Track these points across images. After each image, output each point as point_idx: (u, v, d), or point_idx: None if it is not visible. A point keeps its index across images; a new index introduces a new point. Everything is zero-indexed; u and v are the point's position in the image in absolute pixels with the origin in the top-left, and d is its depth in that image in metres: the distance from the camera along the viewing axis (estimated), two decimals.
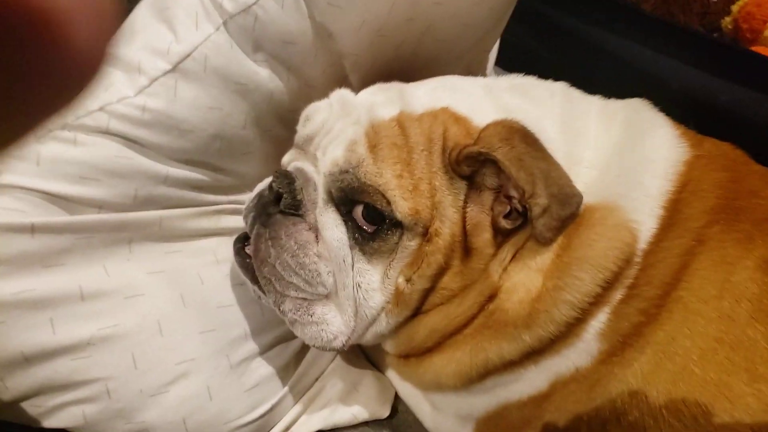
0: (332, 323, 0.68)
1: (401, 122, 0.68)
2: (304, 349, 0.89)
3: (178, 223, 0.79)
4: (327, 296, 0.68)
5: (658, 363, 0.60)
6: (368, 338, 0.72)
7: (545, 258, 0.66)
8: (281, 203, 0.69)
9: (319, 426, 0.83)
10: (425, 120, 0.68)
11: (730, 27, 1.45)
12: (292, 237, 0.67)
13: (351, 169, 0.65)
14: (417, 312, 0.70)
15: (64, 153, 0.67)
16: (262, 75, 0.77)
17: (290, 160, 0.75)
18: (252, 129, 0.81)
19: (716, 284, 0.60)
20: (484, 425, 0.73)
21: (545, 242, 0.65)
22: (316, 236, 0.68)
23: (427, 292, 0.68)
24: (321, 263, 0.67)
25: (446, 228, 0.65)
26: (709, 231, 0.62)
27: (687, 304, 0.61)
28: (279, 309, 0.68)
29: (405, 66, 0.89)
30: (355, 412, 0.85)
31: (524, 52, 1.36)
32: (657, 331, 0.61)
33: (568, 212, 0.64)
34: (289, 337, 0.86)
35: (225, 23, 0.72)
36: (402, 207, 0.64)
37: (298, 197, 0.69)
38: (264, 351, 0.81)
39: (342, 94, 0.75)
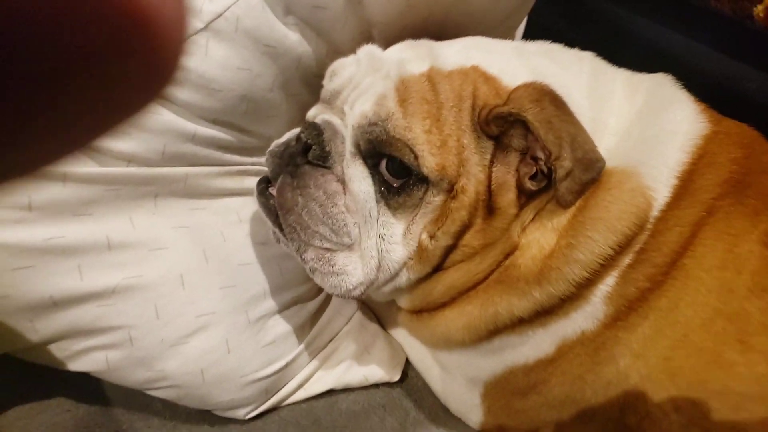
0: (353, 274, 0.68)
1: (431, 78, 0.68)
2: (320, 310, 0.91)
3: (203, 180, 0.80)
4: (350, 247, 0.68)
5: (660, 329, 0.63)
6: (386, 291, 0.74)
7: (562, 218, 0.67)
8: (309, 154, 0.69)
9: (332, 384, 0.86)
10: (455, 77, 0.68)
11: (761, 15, 1.42)
12: (321, 187, 0.68)
13: (380, 122, 0.65)
14: (437, 268, 0.72)
15: None
16: (292, 39, 0.78)
17: (316, 114, 0.75)
18: (279, 92, 0.81)
19: (720, 255, 0.62)
20: (492, 389, 0.75)
21: (566, 205, 0.66)
22: (344, 188, 0.69)
23: (449, 249, 0.69)
24: (348, 214, 0.68)
25: (471, 186, 0.66)
26: (719, 203, 0.64)
27: (690, 272, 0.63)
28: (301, 257, 0.69)
29: (432, 38, 0.89)
30: (366, 374, 0.87)
31: (550, 32, 1.35)
32: (661, 297, 0.63)
33: (591, 177, 0.65)
34: (306, 298, 0.89)
35: None
36: (429, 162, 0.65)
37: (327, 149, 0.69)
38: (281, 310, 0.84)
39: (370, 49, 0.75)
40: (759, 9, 1.45)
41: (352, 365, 0.88)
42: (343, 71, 0.74)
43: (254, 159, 0.86)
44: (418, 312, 0.80)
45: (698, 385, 0.61)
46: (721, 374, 0.60)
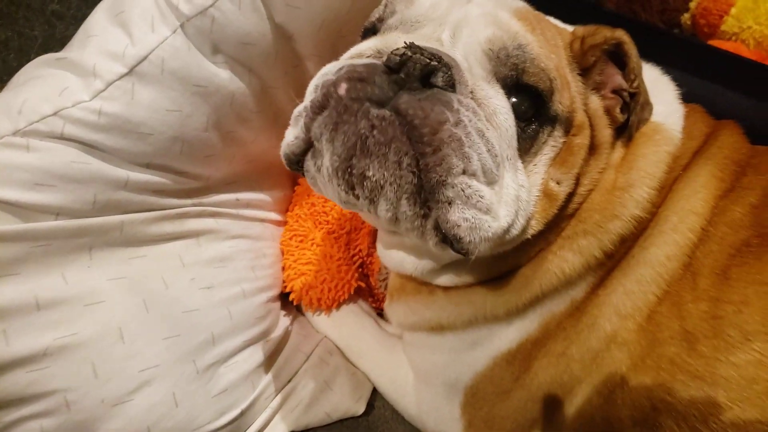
0: (498, 216, 0.56)
1: (531, 12, 0.67)
2: (277, 350, 0.88)
3: (141, 227, 0.77)
4: (493, 184, 0.56)
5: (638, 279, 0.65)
6: (504, 248, 0.65)
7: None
8: (438, 78, 0.53)
9: (292, 427, 0.83)
10: (539, 16, 0.68)
11: (688, 23, 1.48)
12: (469, 107, 0.54)
13: (519, 48, 0.59)
14: (560, 216, 0.66)
15: (17, 159, 0.65)
16: (223, 76, 0.77)
17: (391, 44, 0.57)
18: (214, 131, 0.80)
19: (684, 206, 0.67)
20: (472, 397, 0.73)
21: (630, 138, 0.69)
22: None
23: (571, 196, 0.66)
24: (497, 146, 0.56)
25: (585, 121, 0.66)
26: (692, 163, 0.70)
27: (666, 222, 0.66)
28: (444, 184, 0.51)
29: None
30: (329, 411, 0.85)
31: None
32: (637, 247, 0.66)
33: (646, 117, 0.69)
34: (260, 338, 0.86)
35: (182, 26, 0.72)
36: (563, 98, 0.62)
37: (454, 75, 0.54)
38: (233, 355, 0.81)
39: None
40: (686, 17, 1.51)
41: (312, 404, 0.86)
42: (418, 0, 0.64)
43: (194, 200, 0.84)
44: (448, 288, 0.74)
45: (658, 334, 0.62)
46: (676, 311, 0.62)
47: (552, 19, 0.74)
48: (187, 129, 0.76)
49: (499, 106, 0.57)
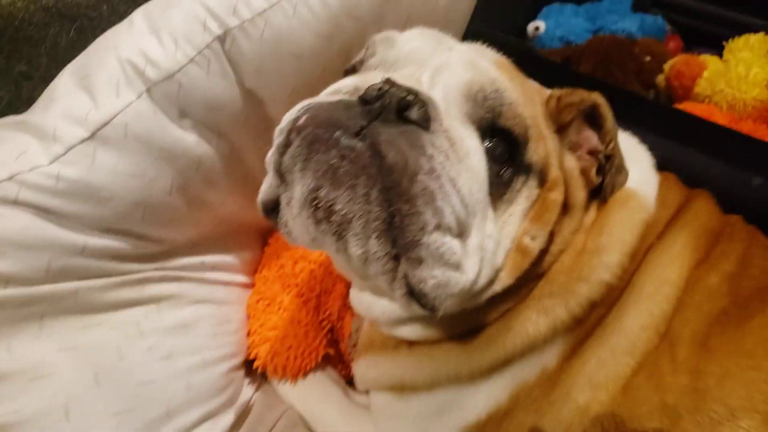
0: (466, 270, 0.54)
1: (512, 65, 0.67)
2: (237, 423, 0.85)
3: (98, 294, 0.74)
4: (462, 235, 0.54)
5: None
6: (472, 303, 0.63)
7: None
8: (413, 112, 0.51)
9: None
10: (518, 70, 0.68)
11: (663, 84, 1.51)
12: (443, 151, 0.52)
13: (497, 93, 0.59)
14: (531, 273, 0.65)
15: None
16: (189, 141, 0.76)
17: (370, 81, 0.54)
18: (179, 195, 0.78)
19: (659, 275, 0.66)
20: None
21: (604, 201, 0.69)
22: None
23: (543, 253, 0.64)
24: (467, 192, 0.54)
25: (560, 178, 0.64)
26: (667, 230, 0.70)
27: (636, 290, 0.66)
28: (420, 238, 0.49)
29: None
30: None
31: None
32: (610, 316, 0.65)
33: (621, 181, 0.68)
34: (220, 410, 0.82)
35: (148, 90, 0.71)
36: (538, 147, 0.61)
37: (429, 112, 0.53)
38: (190, 429, 0.77)
39: (428, 31, 0.69)
40: (660, 78, 1.54)
41: None
42: (403, 42, 0.65)
43: (156, 264, 0.81)
44: (412, 343, 0.72)
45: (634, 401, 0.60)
46: (654, 388, 0.60)
47: (530, 81, 0.75)
48: (150, 193, 0.74)
49: (472, 147, 0.56)
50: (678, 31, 1.66)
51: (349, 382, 0.99)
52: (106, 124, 0.69)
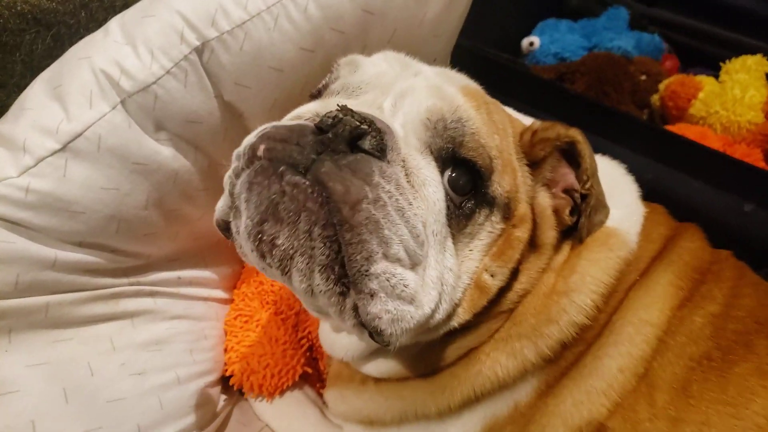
0: (421, 304, 0.52)
1: (481, 93, 0.65)
2: None
3: (69, 309, 0.73)
4: (415, 267, 0.52)
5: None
6: (428, 338, 0.62)
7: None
8: (366, 142, 0.51)
9: None
10: (488, 99, 0.66)
11: (657, 104, 1.50)
12: (392, 180, 0.50)
13: (459, 122, 0.57)
14: (491, 311, 0.63)
15: None
16: (165, 154, 0.74)
17: (330, 107, 0.54)
18: (155, 210, 0.76)
19: (641, 317, 0.64)
20: None
21: (580, 240, 0.66)
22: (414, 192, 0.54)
23: (503, 291, 0.62)
24: (419, 222, 0.52)
25: (528, 214, 0.62)
26: (650, 268, 0.67)
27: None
28: (368, 268, 0.48)
29: None
30: None
31: None
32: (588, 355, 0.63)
33: (600, 219, 0.67)
34: (193, 428, 0.80)
35: (123, 102, 0.69)
36: (503, 180, 0.59)
37: (385, 141, 0.52)
38: None
39: (395, 55, 0.68)
40: (655, 98, 1.52)
41: None
42: (367, 67, 0.65)
43: (131, 279, 0.79)
44: (380, 380, 0.70)
45: None
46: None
47: (511, 111, 0.73)
48: (124, 207, 0.73)
49: (429, 177, 0.54)
50: (675, 50, 1.65)
51: None
52: (78, 135, 0.67)
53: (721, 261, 0.71)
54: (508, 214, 0.61)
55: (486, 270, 0.60)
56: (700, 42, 1.60)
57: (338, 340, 0.70)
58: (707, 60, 1.58)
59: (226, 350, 0.90)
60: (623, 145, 1.15)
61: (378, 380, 0.70)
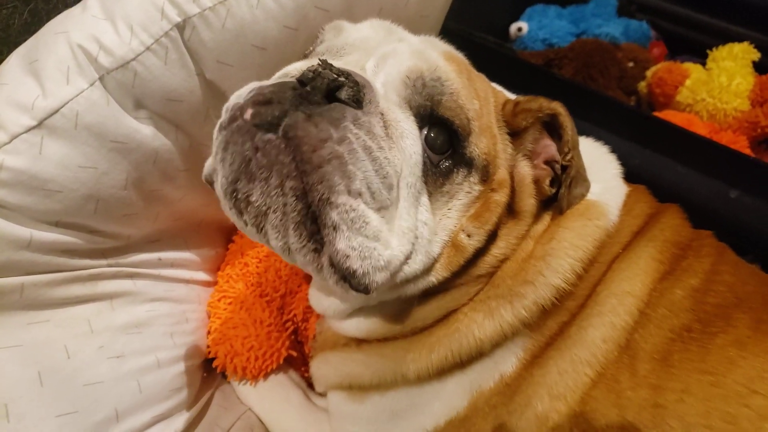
0: (387, 244, 0.53)
1: (464, 61, 0.67)
2: (191, 426, 0.82)
3: (45, 290, 0.71)
4: (384, 211, 0.53)
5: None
6: (404, 292, 0.62)
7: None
8: (343, 93, 0.52)
9: None
10: (471, 68, 0.68)
11: (645, 91, 1.50)
12: (364, 126, 0.51)
13: (437, 81, 0.59)
14: (470, 273, 0.65)
15: None
16: (145, 133, 0.72)
17: (311, 66, 0.54)
18: (134, 190, 0.75)
19: (624, 288, 0.65)
20: None
21: (560, 213, 0.68)
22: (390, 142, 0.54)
23: (478, 253, 0.64)
24: (391, 168, 0.53)
25: (507, 179, 0.64)
26: (633, 242, 0.69)
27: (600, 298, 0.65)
28: (328, 203, 0.49)
29: None
30: None
31: None
32: (573, 326, 0.64)
33: (581, 192, 0.68)
34: (173, 412, 0.79)
35: (101, 78, 0.67)
36: (480, 142, 0.61)
37: (362, 93, 0.53)
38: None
39: (381, 22, 0.69)
40: (642, 85, 1.52)
41: None
42: (351, 31, 0.66)
43: (110, 260, 0.78)
44: (361, 341, 0.72)
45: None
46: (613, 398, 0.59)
47: (497, 86, 0.73)
48: (102, 187, 0.71)
49: (407, 130, 0.56)
50: (662, 38, 1.65)
51: (312, 384, 0.97)
52: (54, 112, 0.66)
53: (701, 239, 0.72)
54: (486, 176, 0.62)
55: (463, 230, 0.62)
56: (687, 30, 1.61)
57: (323, 297, 0.72)
58: (694, 47, 1.58)
59: (209, 332, 0.89)
60: (610, 131, 1.15)
61: (360, 342, 0.71)
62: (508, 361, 0.64)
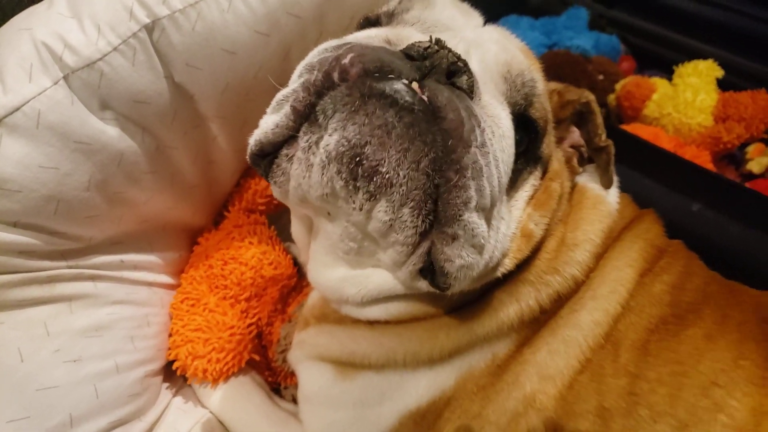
0: (485, 250, 0.52)
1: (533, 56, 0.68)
2: (149, 431, 0.81)
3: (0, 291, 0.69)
4: (487, 217, 0.53)
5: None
6: (476, 285, 0.62)
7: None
8: (463, 80, 0.49)
9: None
10: None
11: (614, 104, 1.53)
12: (492, 121, 0.50)
13: (533, 81, 0.60)
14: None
15: None
16: (110, 134, 0.71)
17: (405, 38, 0.53)
18: (98, 191, 0.73)
19: (616, 277, 0.67)
20: None
21: (607, 187, 0.73)
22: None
23: (544, 239, 0.65)
24: (503, 173, 0.53)
25: (560, 169, 0.68)
26: (622, 235, 0.72)
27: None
28: (459, 213, 0.47)
29: None
30: None
31: None
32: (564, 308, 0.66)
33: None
34: (131, 418, 0.78)
35: (66, 77, 0.66)
36: (551, 142, 0.65)
37: (473, 81, 0.51)
38: None
39: (458, 2, 0.68)
40: (611, 98, 1.56)
41: None
42: (441, 7, 0.63)
43: (70, 262, 0.76)
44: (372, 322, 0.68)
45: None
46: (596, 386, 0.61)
47: None
48: (64, 188, 0.69)
49: (507, 128, 0.55)
50: (632, 52, 1.69)
51: (276, 390, 0.96)
52: (15, 110, 0.64)
53: (675, 245, 0.76)
54: (545, 169, 0.66)
55: (530, 218, 0.63)
56: (655, 45, 1.64)
57: (352, 279, 0.63)
58: (662, 62, 1.62)
59: (171, 334, 0.88)
60: None
61: (372, 323, 0.67)
62: (502, 342, 0.65)
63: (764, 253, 0.96)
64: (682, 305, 0.66)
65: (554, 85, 0.72)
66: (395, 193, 0.46)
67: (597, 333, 0.64)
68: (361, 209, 0.49)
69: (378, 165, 0.45)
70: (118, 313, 0.80)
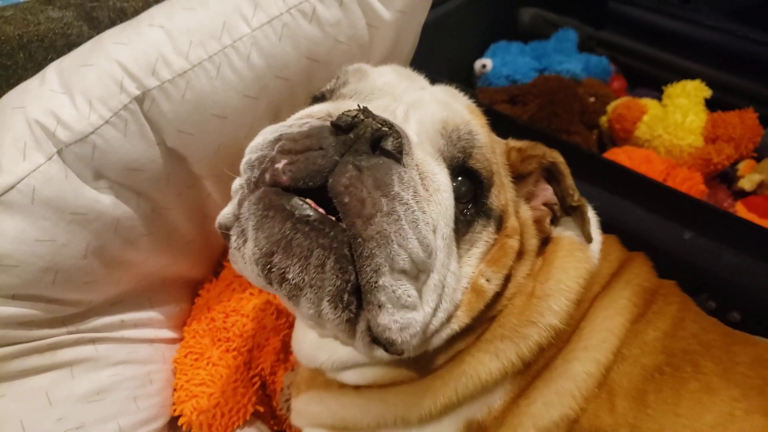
0: (420, 309, 0.53)
1: (481, 113, 0.69)
2: None
3: (0, 364, 0.70)
4: (422, 274, 0.53)
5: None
6: (435, 343, 0.62)
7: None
8: (388, 143, 0.51)
9: None
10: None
11: (606, 126, 1.54)
12: (410, 186, 0.51)
13: (470, 134, 0.61)
14: (485, 315, 0.65)
15: None
16: (105, 202, 0.72)
17: (343, 108, 0.55)
18: (95, 258, 0.74)
19: (606, 326, 0.67)
20: None
21: (589, 242, 0.72)
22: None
23: (497, 297, 0.65)
24: (430, 229, 0.53)
25: (517, 226, 0.66)
26: (610, 283, 0.72)
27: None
28: (375, 286, 0.49)
29: None
30: None
31: None
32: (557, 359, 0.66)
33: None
34: None
35: (59, 152, 0.67)
36: (500, 194, 0.64)
37: (402, 143, 0.52)
38: None
39: (400, 68, 0.71)
40: (603, 120, 1.56)
41: None
42: (376, 75, 0.67)
43: (70, 327, 0.77)
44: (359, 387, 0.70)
45: None
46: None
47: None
48: (61, 258, 0.70)
49: (443, 183, 0.56)
50: (622, 71, 1.70)
51: None
52: (10, 188, 0.65)
53: (667, 287, 0.76)
54: (500, 225, 0.65)
55: (482, 275, 0.62)
56: (644, 64, 1.66)
57: (323, 347, 0.69)
58: (651, 81, 1.63)
59: (175, 389, 0.89)
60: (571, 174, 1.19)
61: (358, 386, 0.69)
62: (496, 394, 0.65)
63: (756, 279, 0.97)
64: (677, 354, 0.65)
65: (514, 143, 0.71)
66: (308, 294, 0.49)
67: (590, 383, 0.64)
68: (288, 305, 0.53)
69: (284, 273, 0.49)
70: (120, 374, 0.81)
